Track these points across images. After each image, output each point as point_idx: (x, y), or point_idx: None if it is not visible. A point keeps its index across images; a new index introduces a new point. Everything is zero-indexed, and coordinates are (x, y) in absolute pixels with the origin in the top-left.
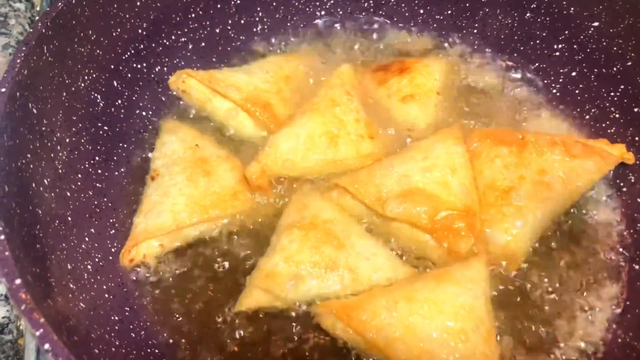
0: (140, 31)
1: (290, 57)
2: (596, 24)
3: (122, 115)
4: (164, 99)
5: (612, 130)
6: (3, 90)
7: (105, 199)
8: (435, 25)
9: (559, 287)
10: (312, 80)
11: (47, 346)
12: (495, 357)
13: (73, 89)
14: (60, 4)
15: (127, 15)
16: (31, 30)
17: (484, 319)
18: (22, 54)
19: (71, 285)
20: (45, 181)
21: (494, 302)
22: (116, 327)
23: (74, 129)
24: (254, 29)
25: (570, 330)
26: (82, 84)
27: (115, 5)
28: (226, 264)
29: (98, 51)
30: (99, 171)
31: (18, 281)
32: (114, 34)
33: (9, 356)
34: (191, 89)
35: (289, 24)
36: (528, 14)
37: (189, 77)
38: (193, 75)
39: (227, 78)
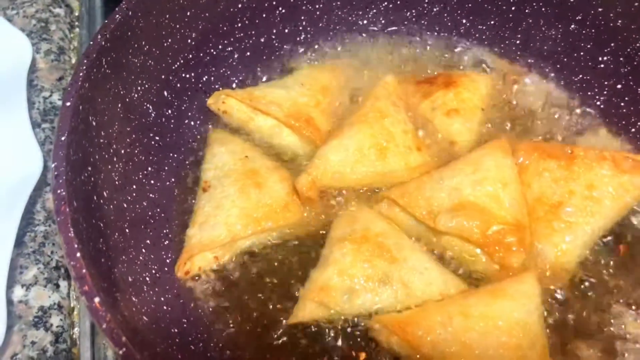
0: (189, 41)
1: (324, 68)
2: None
3: (172, 125)
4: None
5: None
6: (68, 104)
7: (158, 210)
8: (477, 35)
9: (607, 301)
10: (348, 91)
11: None
12: None
13: (127, 99)
14: (118, 16)
15: (178, 26)
16: (91, 42)
17: (538, 335)
18: (84, 67)
19: (134, 299)
20: (105, 193)
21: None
22: (177, 340)
23: (128, 140)
24: (298, 38)
25: (623, 342)
26: (136, 95)
27: (167, 16)
28: (278, 276)
29: (150, 62)
30: (152, 182)
31: (97, 299)
32: (165, 44)
33: None
34: (232, 108)
35: (331, 33)
36: (573, 26)
37: (229, 97)
38: (232, 95)
39: (266, 95)
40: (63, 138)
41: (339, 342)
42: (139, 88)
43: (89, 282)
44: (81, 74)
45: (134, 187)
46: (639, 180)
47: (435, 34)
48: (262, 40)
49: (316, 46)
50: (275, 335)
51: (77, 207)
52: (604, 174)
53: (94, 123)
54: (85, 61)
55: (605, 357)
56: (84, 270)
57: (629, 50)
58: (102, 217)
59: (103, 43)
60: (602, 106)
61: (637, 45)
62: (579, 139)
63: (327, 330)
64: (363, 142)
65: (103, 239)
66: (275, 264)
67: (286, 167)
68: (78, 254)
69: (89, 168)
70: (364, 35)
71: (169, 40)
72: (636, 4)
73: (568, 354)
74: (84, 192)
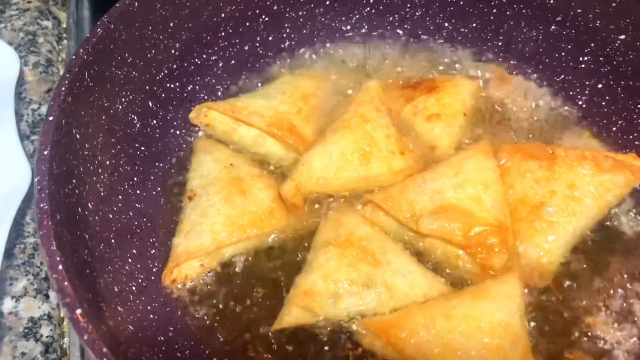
0: (173, 51)
1: (304, 75)
2: (623, 36)
3: (157, 135)
4: None
5: (639, 143)
6: (50, 118)
7: (144, 219)
8: (460, 38)
9: (589, 301)
10: (330, 96)
11: None
12: None
13: (112, 111)
14: (99, 29)
15: (161, 37)
16: (73, 57)
17: (520, 335)
18: (66, 82)
19: (119, 308)
20: (90, 205)
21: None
22: (163, 348)
23: (113, 151)
24: (282, 45)
25: (604, 342)
26: (120, 106)
27: (150, 27)
28: (262, 281)
29: (134, 73)
30: (138, 192)
31: (79, 311)
32: (149, 55)
33: None
34: (214, 120)
35: (315, 40)
36: (553, 27)
37: (210, 110)
38: (214, 108)
39: (248, 105)
40: (46, 152)
41: (325, 347)
42: (123, 99)
43: (70, 294)
44: (63, 89)
45: (120, 197)
46: (619, 179)
47: (418, 38)
48: (247, 48)
49: (300, 53)
50: (263, 342)
51: (60, 219)
52: (584, 174)
53: (77, 136)
54: (67, 75)
55: (587, 356)
56: (65, 283)
57: (608, 50)
58: (87, 229)
59: (85, 57)
60: (584, 106)
61: (616, 45)
62: (561, 140)
63: (312, 335)
64: (346, 147)
65: (88, 250)
66: (262, 270)
67: (271, 174)
68: (60, 267)
69: (74, 180)
70: (347, 41)
71: (153, 51)
72: (614, 4)
73: (550, 354)
74: (68, 204)
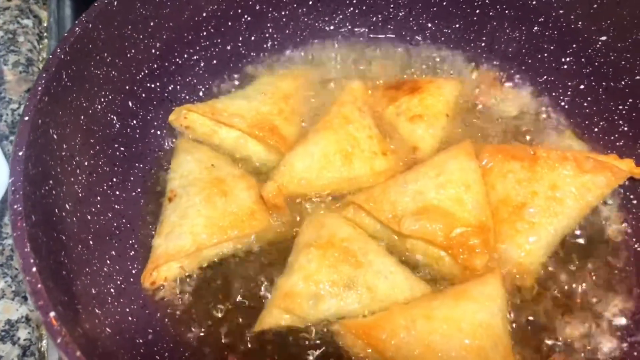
0: (153, 51)
1: (285, 75)
2: (604, 38)
3: (137, 136)
4: None
5: (621, 144)
6: (26, 118)
7: (123, 220)
8: (443, 39)
9: (571, 300)
10: (312, 97)
11: None
12: None
13: (90, 111)
14: (77, 29)
15: (141, 36)
16: (50, 56)
17: (501, 336)
18: (43, 81)
19: (97, 311)
20: (67, 206)
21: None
22: (141, 350)
23: (92, 152)
24: (264, 45)
25: (584, 343)
26: (99, 106)
27: (130, 27)
28: (244, 283)
29: (113, 72)
30: (117, 192)
31: (52, 314)
32: (128, 55)
33: None
34: (194, 123)
35: (298, 40)
36: (536, 28)
37: (190, 112)
38: (194, 110)
39: (228, 107)
40: (21, 153)
41: (306, 349)
42: (102, 99)
43: (44, 296)
44: (40, 88)
45: (99, 198)
46: (600, 180)
47: (401, 38)
48: (229, 48)
49: (283, 53)
50: (243, 344)
51: (35, 221)
52: (566, 175)
53: (55, 136)
54: (44, 75)
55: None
56: (39, 285)
57: (589, 51)
58: (64, 230)
59: (62, 56)
60: (566, 107)
61: (597, 46)
62: (543, 140)
63: (293, 337)
64: (328, 148)
65: (65, 251)
66: (243, 272)
67: (253, 175)
68: (34, 269)
69: (50, 181)
70: (330, 41)
71: (133, 50)
72: (595, 6)
73: (531, 355)
74: (44, 205)
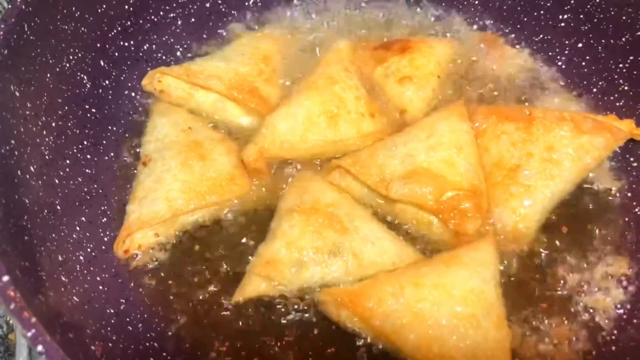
0: (126, 7)
1: (265, 36)
2: None
3: (110, 97)
4: None
5: (621, 104)
6: None
7: (95, 186)
8: None
9: (568, 264)
10: (294, 58)
11: (40, 348)
12: (507, 343)
13: (58, 69)
14: None
15: None
16: (9, 6)
17: (494, 304)
18: (2, 33)
19: (63, 279)
20: (32, 168)
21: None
22: (112, 321)
23: (60, 112)
24: (246, 3)
25: (581, 307)
26: (67, 64)
27: None
28: (224, 251)
29: (83, 29)
30: (88, 156)
31: (6, 278)
32: (99, 10)
33: (0, 352)
34: (169, 87)
35: None
36: None
37: (164, 75)
38: (168, 73)
39: (205, 69)
40: None
41: (289, 317)
42: (71, 57)
43: None
44: None
45: (68, 162)
46: (599, 141)
47: None
48: (208, 5)
49: (267, 11)
50: (221, 313)
51: None
52: (563, 135)
53: (17, 93)
54: (2, 26)
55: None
56: None
57: (589, 7)
58: (27, 193)
59: (23, 7)
60: (563, 66)
61: (597, 1)
62: (540, 101)
63: (275, 305)
64: (312, 109)
65: (28, 215)
66: (222, 240)
67: (233, 140)
68: None
69: (12, 141)
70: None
71: (104, 5)
72: None
73: (526, 323)
74: (5, 166)
